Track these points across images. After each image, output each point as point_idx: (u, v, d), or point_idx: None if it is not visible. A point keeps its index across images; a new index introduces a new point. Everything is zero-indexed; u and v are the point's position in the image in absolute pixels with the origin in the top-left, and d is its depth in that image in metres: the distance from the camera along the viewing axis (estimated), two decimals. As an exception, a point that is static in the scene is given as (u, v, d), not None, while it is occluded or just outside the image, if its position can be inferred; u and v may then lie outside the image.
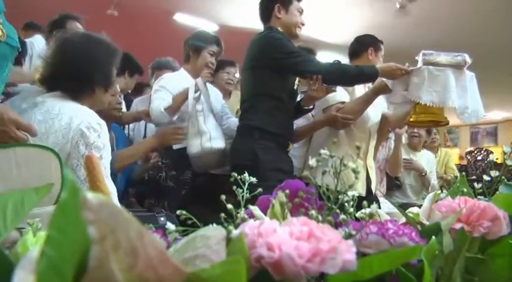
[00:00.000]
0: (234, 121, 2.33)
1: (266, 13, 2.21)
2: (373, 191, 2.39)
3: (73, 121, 1.25)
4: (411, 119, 2.22)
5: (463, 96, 2.03)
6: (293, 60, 2.03)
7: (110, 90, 1.48)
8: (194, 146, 2.16)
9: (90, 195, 0.23)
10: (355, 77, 2.10)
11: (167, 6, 5.88)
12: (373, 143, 2.44)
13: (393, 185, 3.30)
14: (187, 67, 2.41)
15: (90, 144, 1.25)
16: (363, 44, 2.46)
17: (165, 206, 2.22)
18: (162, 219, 1.92)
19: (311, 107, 2.23)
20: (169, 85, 2.27)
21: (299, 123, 2.33)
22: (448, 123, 2.20)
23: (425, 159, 3.52)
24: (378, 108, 2.39)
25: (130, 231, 0.24)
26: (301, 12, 2.22)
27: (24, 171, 0.94)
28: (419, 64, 2.08)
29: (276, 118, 2.07)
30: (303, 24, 2.23)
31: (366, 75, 2.09)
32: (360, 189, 2.24)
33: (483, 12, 5.39)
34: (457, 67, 2.04)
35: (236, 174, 0.53)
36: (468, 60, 2.05)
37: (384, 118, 2.48)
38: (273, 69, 2.06)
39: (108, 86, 1.44)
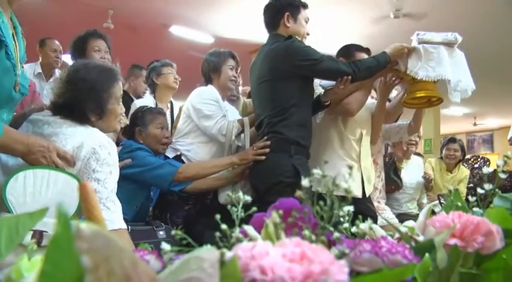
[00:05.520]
0: None
1: (274, 21, 2.15)
2: (368, 192, 2.32)
3: (85, 141, 1.28)
4: (407, 99, 2.27)
5: (455, 71, 2.14)
6: (324, 64, 2.01)
7: (106, 117, 1.40)
8: (222, 196, 2.15)
9: (84, 226, 0.23)
10: (375, 68, 2.11)
11: (163, 19, 5.92)
12: (366, 144, 2.37)
13: (392, 183, 3.08)
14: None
15: (101, 160, 1.27)
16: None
17: (166, 219, 2.21)
18: (161, 233, 1.91)
19: (329, 102, 2.19)
20: (217, 99, 2.27)
21: None
22: (442, 101, 2.24)
23: (416, 165, 3.55)
24: (363, 109, 2.34)
25: (124, 259, 0.24)
26: (307, 21, 2.20)
27: (50, 191, 1.14)
28: (414, 43, 2.19)
29: (307, 130, 2.06)
30: (308, 34, 2.22)
31: (381, 63, 2.11)
32: (356, 191, 2.19)
33: (477, 22, 5.46)
34: (449, 45, 2.17)
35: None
36: (459, 38, 2.18)
37: (376, 115, 2.45)
38: (303, 78, 2.03)
39: (101, 113, 1.38)
